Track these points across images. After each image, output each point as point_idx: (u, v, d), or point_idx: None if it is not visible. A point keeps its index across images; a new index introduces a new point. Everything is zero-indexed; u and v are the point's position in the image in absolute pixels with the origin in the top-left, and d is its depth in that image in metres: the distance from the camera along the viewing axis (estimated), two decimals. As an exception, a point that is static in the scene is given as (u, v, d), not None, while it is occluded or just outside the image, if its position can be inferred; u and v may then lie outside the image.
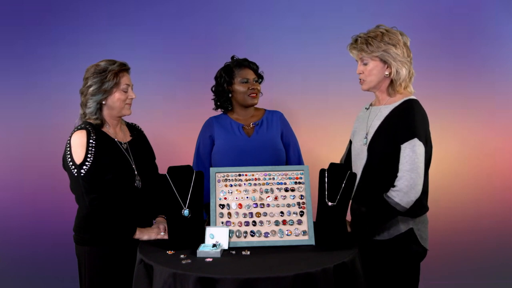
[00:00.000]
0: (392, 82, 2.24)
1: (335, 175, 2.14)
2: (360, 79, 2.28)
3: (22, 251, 3.58)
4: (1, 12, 3.59)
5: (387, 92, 2.26)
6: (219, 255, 1.99)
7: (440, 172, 3.60)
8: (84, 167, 2.16)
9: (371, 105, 2.38)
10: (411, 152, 2.09)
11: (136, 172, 2.32)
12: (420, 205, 2.16)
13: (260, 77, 2.74)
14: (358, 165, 2.29)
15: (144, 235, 2.24)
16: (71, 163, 2.19)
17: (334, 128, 3.53)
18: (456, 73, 3.60)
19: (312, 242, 2.14)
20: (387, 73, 2.22)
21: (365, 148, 2.25)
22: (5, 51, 3.60)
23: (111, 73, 2.24)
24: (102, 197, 2.18)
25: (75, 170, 2.17)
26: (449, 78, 3.60)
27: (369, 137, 2.25)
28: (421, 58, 3.52)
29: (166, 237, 2.24)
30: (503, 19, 3.58)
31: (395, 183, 2.10)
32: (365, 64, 2.24)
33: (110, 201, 2.21)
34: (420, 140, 2.10)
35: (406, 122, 2.13)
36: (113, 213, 2.20)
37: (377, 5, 3.56)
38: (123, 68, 2.29)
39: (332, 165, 2.18)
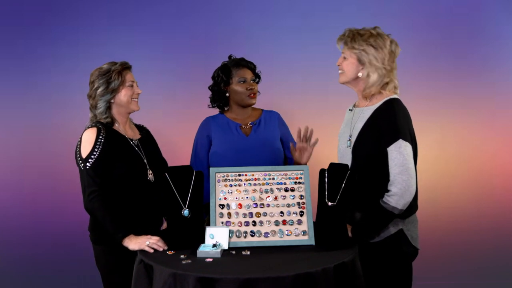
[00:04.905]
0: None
1: (335, 175, 2.14)
2: (339, 71, 2.28)
3: (22, 251, 3.58)
4: (1, 12, 3.58)
5: (362, 94, 2.25)
6: (219, 255, 1.99)
7: (440, 172, 3.60)
8: (90, 160, 2.21)
9: (354, 106, 2.37)
10: (398, 155, 2.07)
11: (148, 167, 2.36)
12: (409, 206, 2.14)
13: (257, 77, 2.71)
14: None
15: (131, 244, 2.12)
16: (79, 158, 2.26)
17: (334, 128, 3.50)
18: (456, 73, 3.60)
19: (312, 242, 2.14)
20: (360, 74, 2.20)
21: (349, 150, 2.24)
22: (5, 51, 3.59)
23: (115, 73, 2.33)
24: (102, 192, 2.20)
25: (82, 164, 2.23)
26: (449, 78, 3.60)
27: (353, 139, 2.23)
28: (421, 58, 3.56)
29: (153, 246, 2.10)
30: (503, 19, 3.58)
31: (389, 188, 2.09)
32: (345, 58, 2.23)
33: (111, 198, 2.22)
34: (405, 140, 2.09)
35: (389, 124, 2.11)
36: (108, 211, 2.17)
37: (377, 5, 3.56)
38: (126, 67, 2.39)
39: (332, 165, 2.18)
